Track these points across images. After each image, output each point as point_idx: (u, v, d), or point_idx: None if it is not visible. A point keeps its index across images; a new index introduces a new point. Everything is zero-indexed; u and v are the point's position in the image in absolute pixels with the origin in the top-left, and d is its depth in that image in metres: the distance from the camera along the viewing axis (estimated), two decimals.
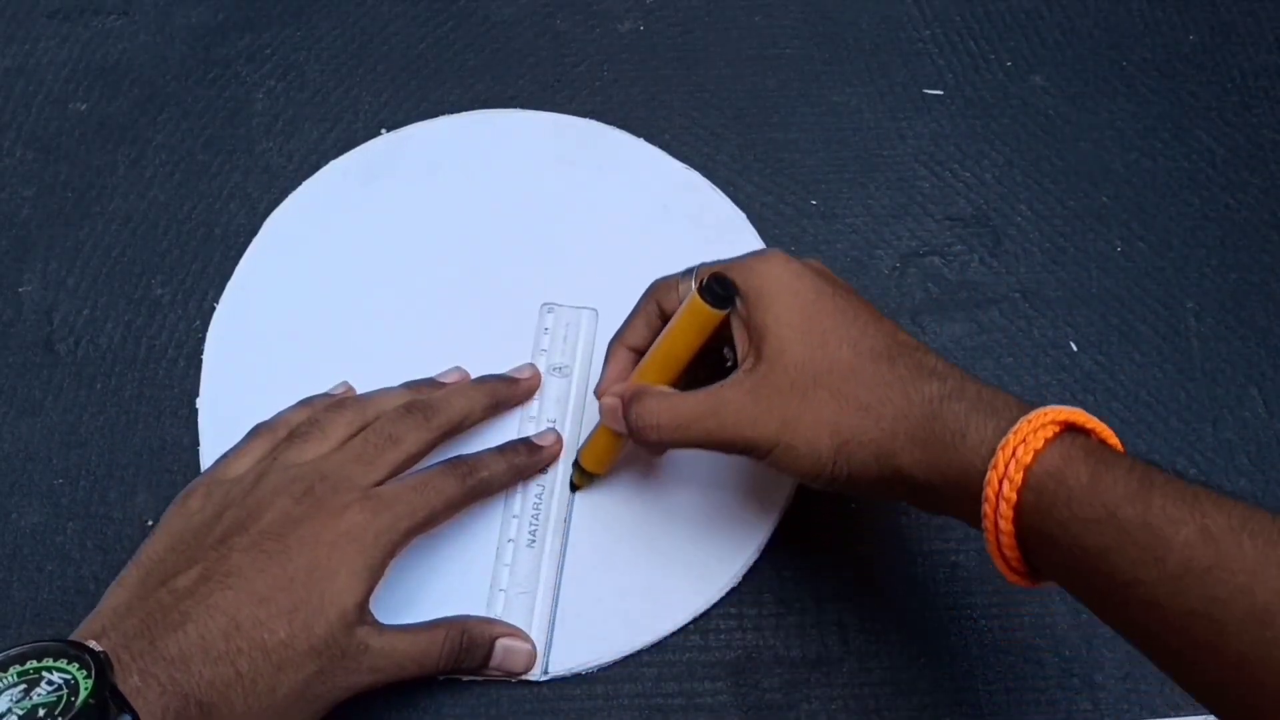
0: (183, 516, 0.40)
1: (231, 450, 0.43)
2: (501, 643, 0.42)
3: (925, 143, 0.55)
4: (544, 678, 0.43)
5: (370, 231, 0.51)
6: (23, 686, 0.32)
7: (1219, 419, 0.50)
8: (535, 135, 0.54)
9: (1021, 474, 0.34)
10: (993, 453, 0.35)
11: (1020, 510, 0.34)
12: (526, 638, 0.43)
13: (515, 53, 0.56)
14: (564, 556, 0.45)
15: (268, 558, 0.37)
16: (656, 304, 0.44)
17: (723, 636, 0.45)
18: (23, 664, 0.33)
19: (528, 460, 0.45)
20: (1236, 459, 0.49)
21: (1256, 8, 0.59)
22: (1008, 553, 0.36)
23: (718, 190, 0.53)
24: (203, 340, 0.49)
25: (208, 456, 0.46)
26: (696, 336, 0.42)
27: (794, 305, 0.39)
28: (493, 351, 0.48)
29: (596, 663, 0.44)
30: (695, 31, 0.57)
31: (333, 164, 0.53)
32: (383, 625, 0.39)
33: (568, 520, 0.46)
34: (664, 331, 0.43)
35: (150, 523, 0.46)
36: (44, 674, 0.32)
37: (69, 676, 0.32)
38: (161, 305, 0.50)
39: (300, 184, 0.52)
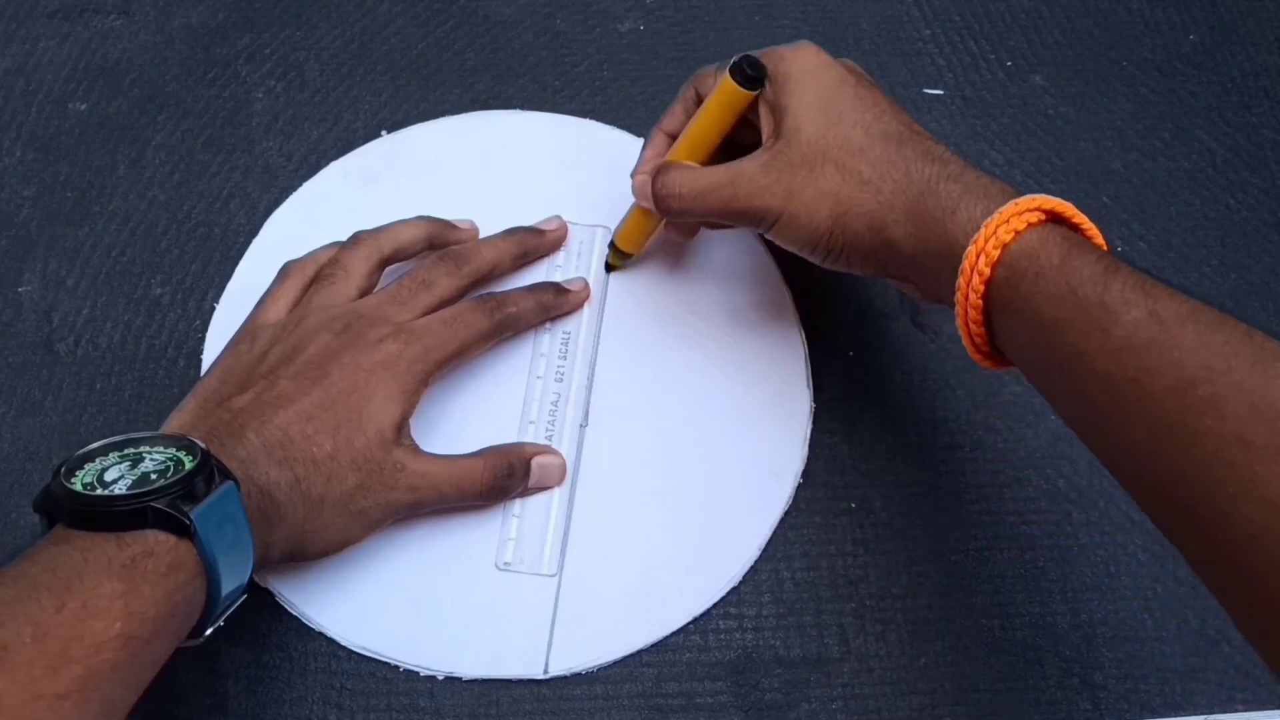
0: (233, 357, 0.43)
1: (266, 294, 0.45)
2: (537, 460, 0.45)
3: None
4: (544, 677, 0.43)
5: None
6: (128, 464, 0.35)
7: None
8: (535, 135, 0.54)
9: (999, 251, 0.36)
10: (977, 229, 0.37)
11: (991, 284, 0.36)
12: (556, 453, 0.46)
13: (515, 53, 0.56)
14: (590, 393, 0.48)
15: (312, 383, 0.40)
16: (694, 90, 0.46)
17: (723, 636, 0.45)
18: (122, 449, 0.36)
19: (554, 300, 0.48)
20: None
21: (1256, 8, 0.59)
22: (974, 327, 0.38)
23: None
24: (203, 340, 0.49)
25: None
26: (726, 116, 0.44)
27: (816, 89, 0.42)
28: (493, 351, 0.48)
29: (596, 662, 0.44)
30: (695, 31, 0.57)
31: (333, 164, 0.53)
32: (423, 451, 0.43)
33: (593, 365, 0.48)
34: (697, 113, 0.45)
35: None
36: (145, 455, 0.36)
37: (170, 455, 0.36)
38: (161, 305, 0.50)
39: (300, 184, 0.52)
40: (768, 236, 0.44)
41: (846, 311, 0.51)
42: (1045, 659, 0.45)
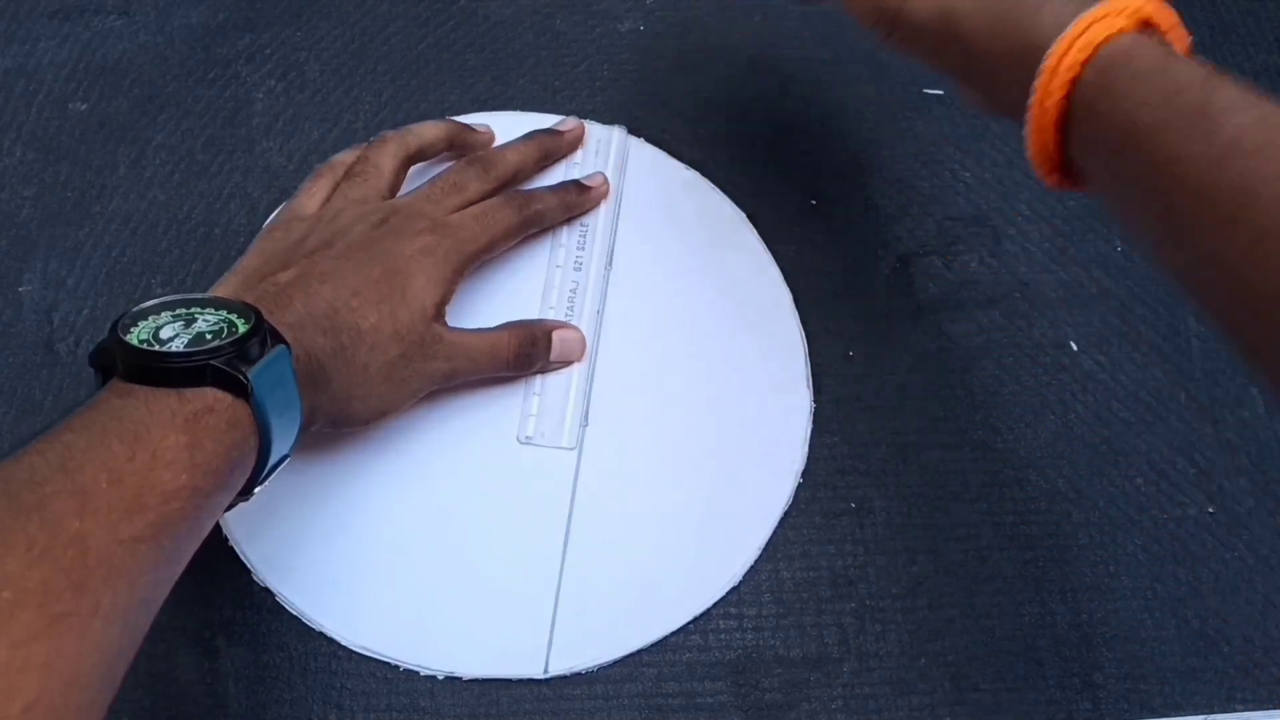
0: (269, 241, 0.44)
1: (297, 192, 0.47)
2: (558, 334, 0.47)
3: (925, 143, 0.55)
4: (544, 676, 0.43)
5: None
6: (181, 323, 0.36)
7: (1219, 419, 0.50)
8: None
9: (1088, 51, 0.34)
10: (1064, 26, 0.34)
11: (1078, 84, 0.34)
12: (576, 328, 0.48)
13: (515, 53, 0.56)
14: (609, 273, 0.50)
15: (355, 264, 0.42)
16: None
17: (723, 636, 0.45)
18: (174, 309, 0.37)
19: (577, 198, 0.50)
20: (1237, 459, 0.49)
21: (1256, 8, 0.59)
22: (1047, 134, 0.35)
23: (718, 190, 0.53)
24: None
25: None
26: None
27: None
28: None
29: (596, 662, 0.44)
30: (695, 31, 0.57)
31: None
32: (456, 327, 0.45)
33: (610, 255, 0.50)
34: None
35: None
36: (198, 316, 0.36)
37: (223, 317, 0.36)
38: None
39: (300, 184, 0.52)
40: None
41: (846, 311, 0.51)
42: (1045, 659, 0.45)
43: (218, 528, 0.45)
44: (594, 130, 0.53)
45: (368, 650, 0.44)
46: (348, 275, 0.42)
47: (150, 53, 0.55)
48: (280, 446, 0.37)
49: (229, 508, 0.37)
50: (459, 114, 0.54)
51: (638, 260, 0.51)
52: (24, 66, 0.55)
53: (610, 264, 0.50)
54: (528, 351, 0.47)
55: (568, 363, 0.48)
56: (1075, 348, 0.51)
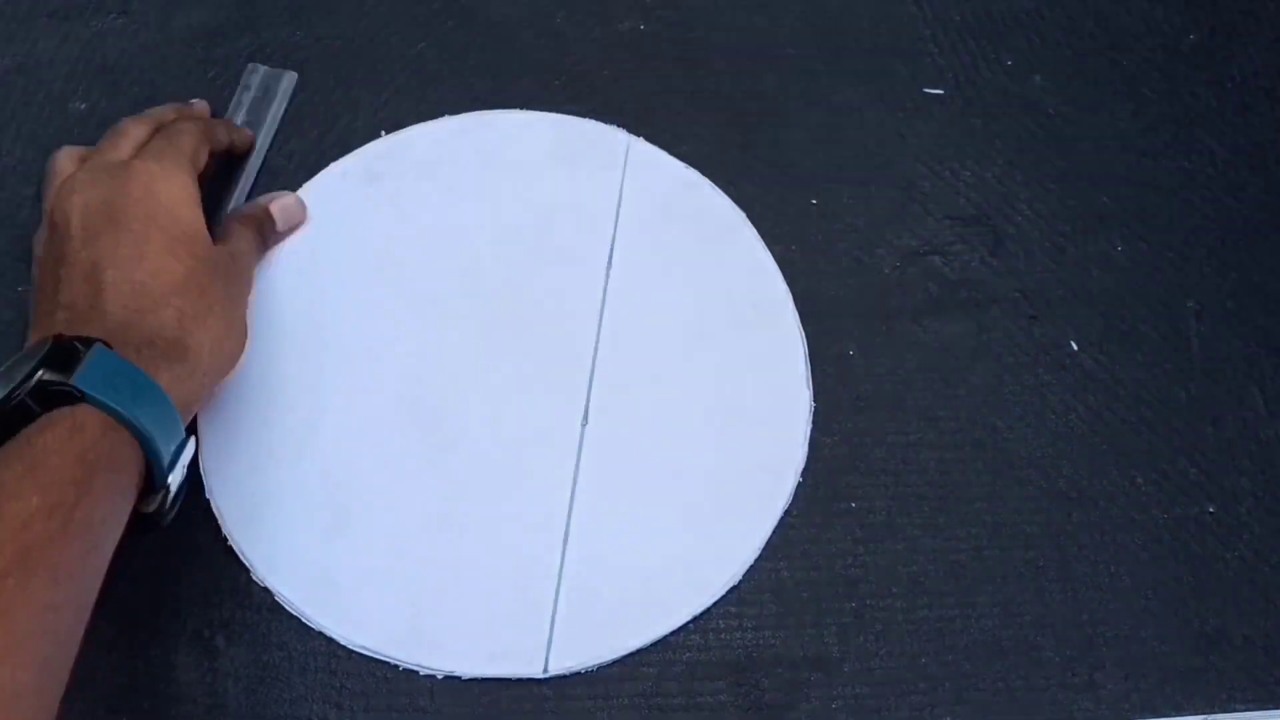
0: (38, 268, 0.44)
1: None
2: (275, 208, 0.49)
3: (925, 143, 0.55)
4: (544, 676, 0.43)
5: (370, 231, 0.51)
6: None
7: (1219, 419, 0.50)
8: (535, 135, 0.54)
9: None
10: None
11: None
12: (289, 194, 0.50)
13: (515, 53, 0.56)
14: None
15: (108, 236, 0.41)
16: None
17: (723, 636, 0.45)
18: None
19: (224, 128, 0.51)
20: (1237, 459, 0.49)
21: (1256, 8, 0.59)
22: None
23: (718, 190, 0.53)
24: None
25: (208, 455, 0.46)
26: None
27: None
28: (491, 348, 0.48)
29: (596, 662, 0.44)
30: (696, 31, 0.57)
31: (333, 164, 0.53)
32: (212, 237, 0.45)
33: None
34: None
35: None
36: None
37: (25, 362, 0.37)
38: None
39: (300, 184, 0.52)
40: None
41: (846, 311, 0.51)
42: (1045, 659, 0.45)
43: (218, 527, 0.45)
44: (594, 129, 0.53)
45: (367, 650, 0.44)
46: (108, 250, 0.41)
47: (150, 53, 0.55)
48: (162, 433, 0.38)
49: (159, 503, 0.39)
50: (459, 114, 0.54)
51: (638, 260, 0.51)
52: (24, 66, 0.55)
53: (610, 264, 0.50)
54: (264, 235, 0.49)
55: (296, 226, 0.50)
56: (1075, 348, 0.51)
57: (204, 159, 0.47)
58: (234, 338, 0.45)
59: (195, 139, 0.47)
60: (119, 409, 0.36)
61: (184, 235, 0.43)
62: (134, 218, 0.42)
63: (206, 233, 0.44)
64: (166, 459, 0.39)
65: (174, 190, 0.43)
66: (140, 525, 0.40)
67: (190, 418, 0.42)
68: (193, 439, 0.41)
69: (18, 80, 0.54)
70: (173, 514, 0.41)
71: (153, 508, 0.40)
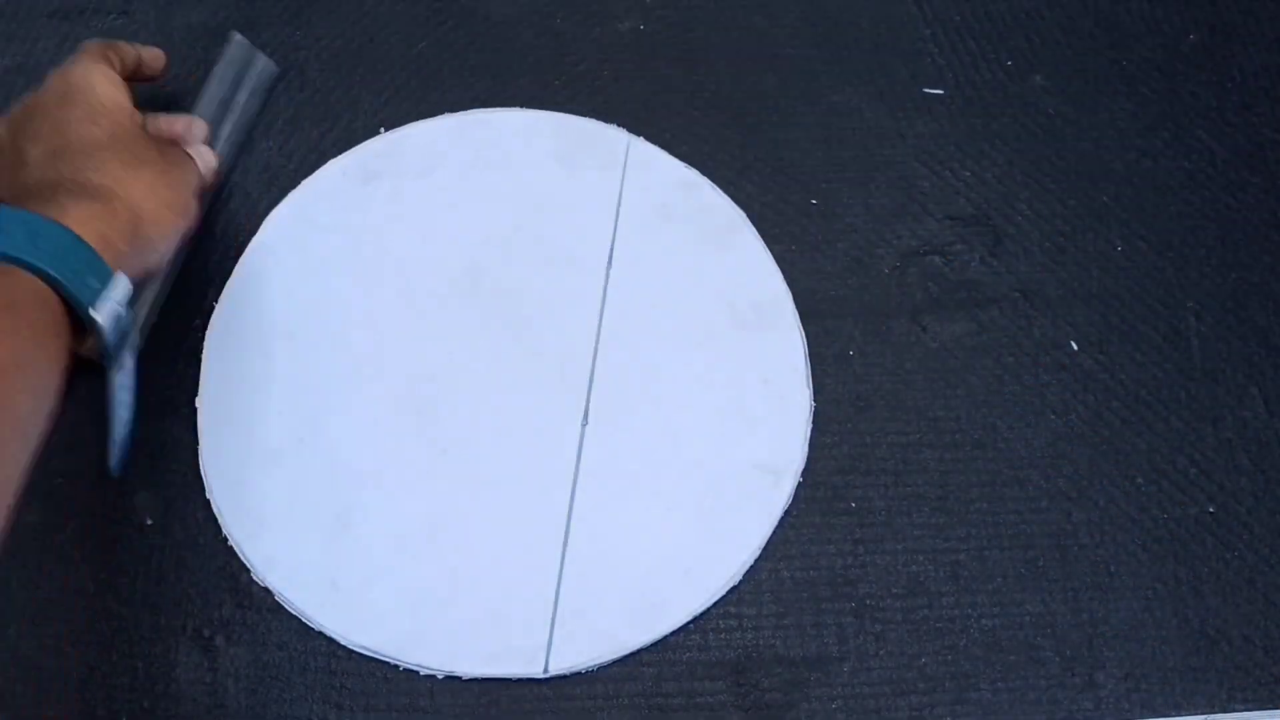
0: None
1: None
2: (201, 165, 0.48)
3: (925, 142, 0.55)
4: (544, 676, 0.43)
5: (369, 230, 0.51)
6: None
7: (1219, 419, 0.50)
8: (535, 135, 0.54)
9: None
10: None
11: None
12: (199, 144, 0.49)
13: (515, 53, 0.56)
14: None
15: (30, 113, 0.44)
16: None
17: (723, 636, 0.45)
18: None
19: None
20: (1237, 459, 0.49)
21: (1256, 8, 0.59)
22: None
23: (718, 190, 0.53)
24: (202, 340, 0.49)
25: (208, 456, 0.46)
26: None
27: None
28: (491, 348, 0.48)
29: (596, 661, 0.44)
30: (695, 31, 0.57)
31: (332, 163, 0.53)
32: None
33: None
34: None
35: (149, 522, 0.46)
36: None
37: None
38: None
39: (300, 183, 0.52)
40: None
41: (846, 311, 0.51)
42: (1045, 659, 0.45)
43: (218, 527, 0.45)
44: (593, 129, 0.53)
45: (367, 650, 0.44)
46: (32, 135, 0.43)
47: None
48: (68, 265, 0.38)
49: (94, 344, 0.40)
50: (459, 113, 0.54)
51: (637, 259, 0.51)
52: (24, 66, 0.55)
53: (610, 263, 0.50)
54: (198, 197, 0.48)
55: (218, 174, 0.50)
56: (1075, 348, 0.51)
57: (117, 59, 0.48)
58: (171, 189, 0.45)
59: (98, 43, 0.48)
60: (7, 250, 0.37)
61: (103, 107, 0.44)
62: (51, 104, 0.44)
63: (131, 107, 0.45)
64: (84, 296, 0.38)
65: (89, 75, 0.45)
66: (85, 369, 0.40)
67: (133, 261, 0.41)
68: (124, 278, 0.40)
69: (18, 80, 0.54)
70: (122, 358, 0.42)
71: (86, 347, 0.40)
